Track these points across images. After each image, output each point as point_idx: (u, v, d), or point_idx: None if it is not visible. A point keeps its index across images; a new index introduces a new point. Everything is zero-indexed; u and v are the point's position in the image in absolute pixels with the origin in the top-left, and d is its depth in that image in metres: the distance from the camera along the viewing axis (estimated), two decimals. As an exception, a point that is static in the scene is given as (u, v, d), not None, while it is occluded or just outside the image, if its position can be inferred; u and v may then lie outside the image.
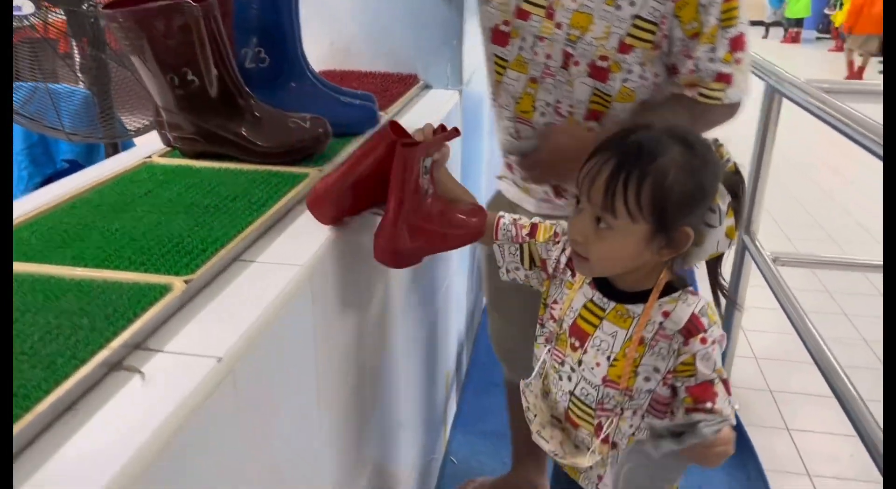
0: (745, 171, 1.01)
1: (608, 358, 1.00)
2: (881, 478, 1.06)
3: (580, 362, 1.03)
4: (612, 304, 1.00)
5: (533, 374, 1.12)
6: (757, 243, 2.17)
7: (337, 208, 0.96)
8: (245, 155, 1.13)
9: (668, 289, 0.99)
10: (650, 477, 0.98)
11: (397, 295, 1.33)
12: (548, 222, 1.11)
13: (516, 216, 1.13)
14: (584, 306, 1.03)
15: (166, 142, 1.19)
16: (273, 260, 0.85)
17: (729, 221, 0.95)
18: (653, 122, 0.97)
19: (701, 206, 0.93)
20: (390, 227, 0.95)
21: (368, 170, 0.95)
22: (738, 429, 2.22)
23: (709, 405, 0.96)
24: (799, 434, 2.26)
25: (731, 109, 1.25)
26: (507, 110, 1.35)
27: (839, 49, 11.67)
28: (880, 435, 1.20)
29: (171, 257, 0.80)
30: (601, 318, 1.01)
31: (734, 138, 1.03)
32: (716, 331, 0.97)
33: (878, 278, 3.18)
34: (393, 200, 0.95)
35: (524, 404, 1.13)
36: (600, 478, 1.10)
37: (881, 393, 0.90)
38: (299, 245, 0.89)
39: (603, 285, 1.02)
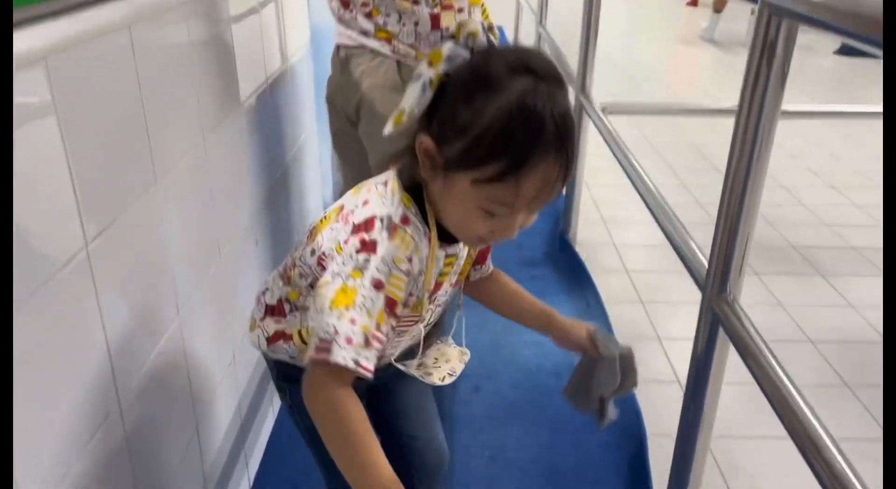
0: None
1: (458, 274, 1.00)
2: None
3: (434, 299, 0.96)
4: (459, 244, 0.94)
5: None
6: (591, 99, 2.38)
7: None
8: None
9: None
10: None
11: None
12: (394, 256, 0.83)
13: None
14: (444, 264, 0.94)
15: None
16: None
17: None
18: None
19: None
20: None
21: None
22: (581, 267, 2.46)
23: None
24: (635, 274, 2.53)
25: None
26: None
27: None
28: (703, 262, 1.20)
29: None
30: (456, 256, 0.96)
31: None
32: None
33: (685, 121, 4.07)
34: None
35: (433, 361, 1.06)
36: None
37: (709, 238, 1.09)
38: None
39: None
